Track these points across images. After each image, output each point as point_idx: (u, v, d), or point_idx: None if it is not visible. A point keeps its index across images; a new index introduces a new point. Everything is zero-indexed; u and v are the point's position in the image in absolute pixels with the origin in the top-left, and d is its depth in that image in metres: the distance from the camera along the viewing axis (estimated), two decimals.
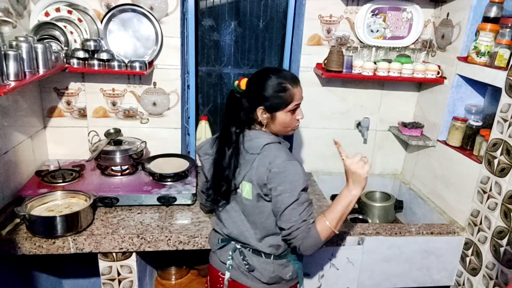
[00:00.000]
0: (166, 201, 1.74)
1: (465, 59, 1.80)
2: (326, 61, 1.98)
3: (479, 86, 1.85)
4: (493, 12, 1.69)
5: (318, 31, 2.04)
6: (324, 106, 2.18)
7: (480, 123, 1.78)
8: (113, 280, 1.62)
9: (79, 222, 1.51)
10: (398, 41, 2.09)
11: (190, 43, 2.10)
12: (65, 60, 1.75)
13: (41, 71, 1.53)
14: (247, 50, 2.27)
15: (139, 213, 1.70)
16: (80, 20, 1.81)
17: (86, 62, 1.79)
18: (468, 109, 1.87)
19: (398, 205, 2.18)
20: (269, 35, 2.25)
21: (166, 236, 1.56)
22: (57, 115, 2.02)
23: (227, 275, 1.38)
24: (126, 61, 1.84)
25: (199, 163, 1.79)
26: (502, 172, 1.55)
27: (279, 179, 1.23)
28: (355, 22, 2.04)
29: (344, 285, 1.79)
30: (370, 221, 2.04)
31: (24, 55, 1.41)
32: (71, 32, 1.80)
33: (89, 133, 2.00)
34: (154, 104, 2.07)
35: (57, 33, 1.76)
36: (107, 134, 2.02)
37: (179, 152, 2.15)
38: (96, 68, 1.80)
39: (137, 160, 1.94)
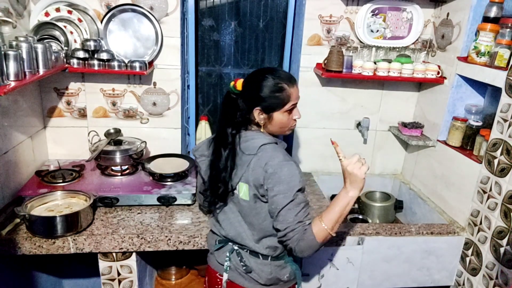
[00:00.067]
0: (166, 201, 1.74)
1: (465, 59, 1.80)
2: (326, 61, 1.98)
3: (479, 86, 1.85)
4: (493, 12, 1.69)
5: (318, 31, 2.04)
6: (324, 106, 2.18)
7: (480, 123, 1.78)
8: (113, 280, 1.62)
9: (79, 222, 1.51)
10: (398, 41, 2.09)
11: (190, 43, 2.10)
12: (65, 60, 1.75)
13: (41, 71, 1.53)
14: (247, 50, 2.27)
15: (139, 213, 1.70)
16: (80, 20, 1.81)
17: (86, 62, 1.79)
18: (468, 109, 1.87)
19: (398, 205, 2.18)
20: (269, 35, 2.25)
21: (166, 236, 1.56)
22: (57, 115, 2.02)
23: (225, 276, 1.38)
24: (126, 61, 1.84)
25: None
26: (502, 172, 1.55)
27: (275, 180, 1.22)
28: (355, 22, 2.04)
29: (344, 285, 1.79)
30: (370, 221, 2.04)
31: (24, 55, 1.41)
32: (71, 32, 1.80)
33: (89, 133, 2.00)
34: (154, 104, 2.07)
35: (57, 33, 1.76)
36: (107, 134, 2.02)
37: (179, 152, 2.15)
38: (96, 68, 1.80)
39: (137, 160, 1.94)
